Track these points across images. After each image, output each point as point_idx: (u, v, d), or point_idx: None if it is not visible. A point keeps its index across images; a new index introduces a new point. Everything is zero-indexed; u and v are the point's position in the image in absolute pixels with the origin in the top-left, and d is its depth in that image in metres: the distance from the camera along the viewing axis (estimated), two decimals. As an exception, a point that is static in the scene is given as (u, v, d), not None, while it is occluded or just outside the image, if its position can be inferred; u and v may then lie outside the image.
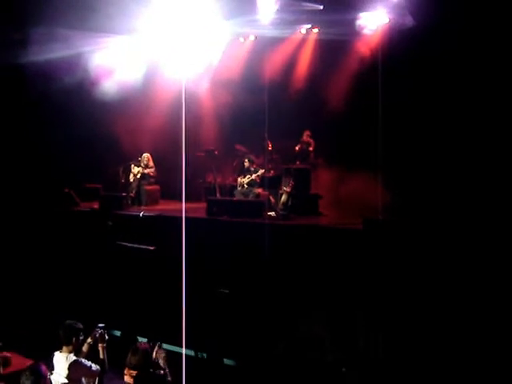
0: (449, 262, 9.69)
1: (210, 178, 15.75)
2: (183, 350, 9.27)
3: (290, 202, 13.15)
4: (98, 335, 7.46)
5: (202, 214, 13.08)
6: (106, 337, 7.51)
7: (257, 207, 12.87)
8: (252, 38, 16.12)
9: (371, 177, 13.02)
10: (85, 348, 7.45)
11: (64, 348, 7.23)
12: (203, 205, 13.70)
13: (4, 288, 12.69)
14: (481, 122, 11.81)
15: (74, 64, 15.27)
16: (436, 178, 12.21)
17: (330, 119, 14.56)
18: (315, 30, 15.38)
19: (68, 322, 7.37)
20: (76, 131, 15.26)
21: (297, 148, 15.12)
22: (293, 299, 10.96)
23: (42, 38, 14.25)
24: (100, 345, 7.44)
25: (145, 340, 8.98)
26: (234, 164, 15.61)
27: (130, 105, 16.09)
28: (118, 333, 12.62)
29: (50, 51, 14.53)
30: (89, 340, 7.47)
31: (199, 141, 16.19)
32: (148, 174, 15.10)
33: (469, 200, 11.10)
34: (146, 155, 15.15)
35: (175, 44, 16.37)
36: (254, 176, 13.83)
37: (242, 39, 16.33)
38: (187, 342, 9.39)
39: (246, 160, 14.22)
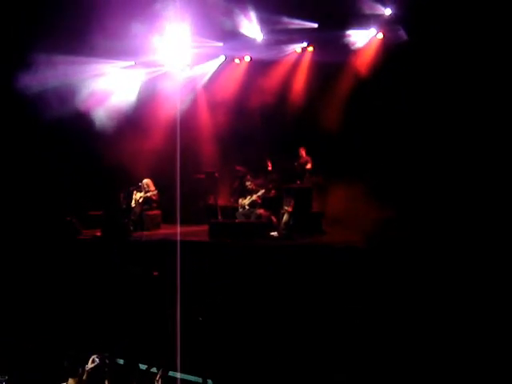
0: (453, 277, 9.65)
1: (211, 200, 15.72)
2: (178, 375, 9.20)
3: (292, 222, 13.10)
4: (99, 363, 7.37)
5: (205, 238, 13.05)
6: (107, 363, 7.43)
7: (259, 228, 12.84)
8: (247, 58, 16.17)
9: (371, 193, 13.03)
10: (85, 376, 7.37)
11: (70, 380, 7.16)
12: (205, 227, 13.68)
13: (7, 317, 12.65)
14: (477, 136, 11.84)
15: (72, 90, 15.37)
16: (435, 193, 12.20)
17: (327, 137, 14.57)
18: (310, 49, 15.43)
19: (72, 352, 7.30)
20: (75, 158, 15.37)
21: (295, 164, 15.11)
22: (298, 320, 10.89)
23: (42, 64, 14.41)
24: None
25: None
26: (235, 185, 15.59)
27: (128, 130, 16.11)
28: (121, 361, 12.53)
29: (50, 77, 14.68)
30: (89, 366, 7.37)
31: (199, 163, 16.21)
32: (150, 197, 15.07)
33: (470, 215, 11.08)
34: (146, 181, 15.15)
35: (171, 67, 16.55)
36: (254, 197, 13.81)
37: (237, 60, 16.38)
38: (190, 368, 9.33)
39: (248, 181, 14.21)
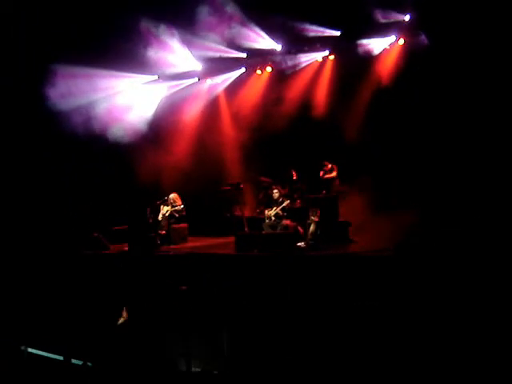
0: (482, 284, 9.55)
1: (237, 212, 15.73)
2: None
3: (318, 232, 13.04)
4: None
5: (232, 250, 13.05)
6: None
7: (286, 239, 12.79)
8: (269, 69, 16.18)
9: (397, 200, 12.96)
10: None
11: None
12: (231, 239, 13.69)
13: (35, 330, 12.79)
14: (504, 144, 11.71)
15: (96, 104, 15.52)
16: (460, 200, 12.09)
17: (351, 145, 14.52)
18: (331, 57, 15.40)
19: None
20: (101, 173, 15.51)
21: (320, 174, 15.07)
22: (327, 330, 10.84)
23: (65, 76, 14.58)
24: None
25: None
26: (260, 196, 15.58)
27: (152, 144, 16.24)
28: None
29: (75, 90, 14.85)
30: None
31: (224, 175, 16.26)
32: (177, 212, 15.12)
33: (499, 223, 10.96)
34: (173, 195, 15.21)
35: (193, 80, 16.65)
36: (279, 208, 13.76)
37: (259, 71, 16.40)
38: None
39: (273, 191, 14.19)
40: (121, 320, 11.16)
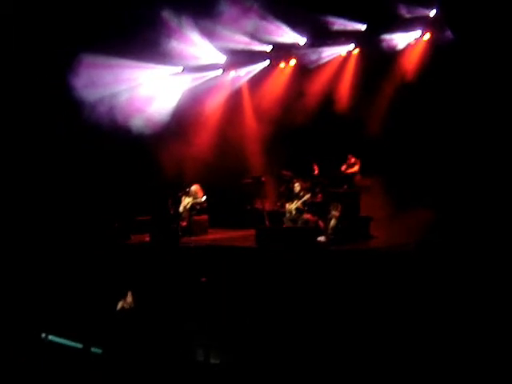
0: (503, 281, 9.47)
1: (258, 205, 15.74)
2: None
3: (339, 227, 12.99)
4: None
5: (252, 243, 13.06)
6: None
7: (306, 234, 12.77)
8: (292, 62, 16.13)
9: (419, 196, 12.88)
10: None
11: None
12: (252, 232, 13.71)
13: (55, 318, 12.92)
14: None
15: (119, 94, 15.59)
16: (484, 197, 11.97)
17: (374, 140, 14.44)
18: (355, 51, 15.31)
19: None
20: (124, 164, 15.60)
21: (342, 169, 15.03)
22: (346, 324, 10.81)
23: (89, 66, 14.66)
24: None
25: None
26: (281, 190, 15.57)
27: (175, 136, 16.29)
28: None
29: (97, 79, 14.93)
30: None
31: (245, 168, 16.27)
32: (198, 204, 15.17)
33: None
34: (194, 187, 15.23)
35: (217, 72, 16.66)
36: (299, 203, 13.74)
37: (282, 64, 16.35)
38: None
39: (294, 184, 14.16)
40: (120, 304, 11.13)
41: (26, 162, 15.42)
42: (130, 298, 11.25)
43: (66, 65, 14.73)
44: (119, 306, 11.25)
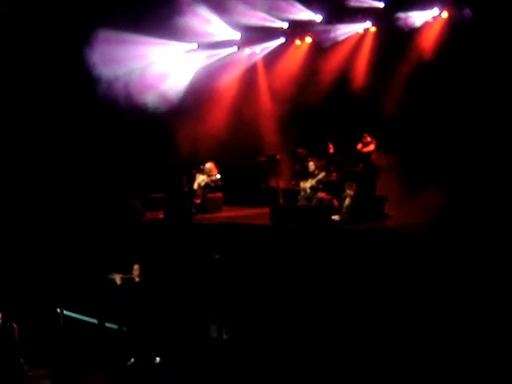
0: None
1: (272, 183, 15.72)
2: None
3: (354, 206, 12.97)
4: None
5: (266, 221, 13.07)
6: None
7: (321, 212, 12.77)
8: (308, 40, 15.99)
9: (435, 176, 12.82)
10: None
11: None
12: (266, 210, 13.72)
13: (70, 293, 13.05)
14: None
15: (134, 71, 15.56)
16: (501, 179, 11.90)
17: (389, 119, 14.33)
18: (372, 29, 15.13)
19: None
20: (138, 141, 15.61)
21: (358, 147, 14.94)
22: (362, 304, 10.83)
23: (107, 40, 14.63)
24: None
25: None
26: (296, 168, 15.52)
27: (189, 113, 16.28)
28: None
29: (113, 55, 14.90)
30: None
31: (260, 146, 16.24)
32: (213, 182, 15.18)
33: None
34: (209, 165, 15.24)
35: (232, 48, 16.57)
36: (314, 182, 13.71)
37: (298, 41, 16.23)
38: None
39: (309, 163, 14.12)
40: (118, 278, 11.17)
41: (42, 140, 15.48)
42: (137, 271, 11.31)
43: (82, 41, 14.70)
44: (117, 278, 11.28)
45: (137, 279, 11.36)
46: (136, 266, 11.43)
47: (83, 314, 12.52)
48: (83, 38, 14.67)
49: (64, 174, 15.33)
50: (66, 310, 12.61)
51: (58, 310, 12.63)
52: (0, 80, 15.13)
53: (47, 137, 15.49)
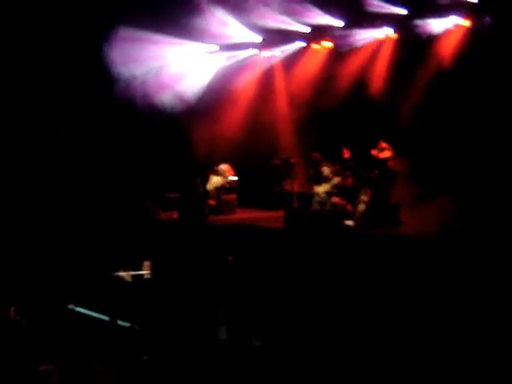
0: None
1: (287, 186, 15.73)
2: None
3: (368, 212, 12.95)
4: None
5: (280, 224, 13.08)
6: None
7: (335, 217, 12.77)
8: (328, 44, 15.97)
9: (451, 184, 12.76)
10: None
11: None
12: (280, 213, 13.73)
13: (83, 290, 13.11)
14: None
15: (151, 69, 15.62)
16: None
17: (406, 126, 14.28)
18: (393, 36, 15.09)
19: None
20: (153, 141, 15.68)
21: (374, 153, 14.89)
22: (373, 309, 10.80)
23: (126, 38, 14.70)
24: None
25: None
26: (310, 172, 15.50)
27: (205, 114, 16.33)
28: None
29: (132, 52, 14.96)
30: None
31: (275, 149, 16.25)
32: (228, 183, 15.20)
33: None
34: (224, 166, 15.26)
35: (252, 51, 16.59)
36: (330, 185, 13.70)
37: (317, 46, 16.22)
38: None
39: (324, 167, 14.11)
40: (127, 275, 11.34)
41: (59, 139, 15.60)
42: (147, 268, 11.42)
43: (102, 39, 14.78)
44: (126, 276, 11.42)
45: (147, 276, 11.46)
46: (147, 263, 11.54)
47: (95, 311, 12.58)
48: (103, 37, 14.75)
49: (79, 172, 15.42)
50: (78, 307, 12.68)
51: (70, 307, 12.69)
52: (16, 79, 15.24)
53: (64, 136, 15.59)
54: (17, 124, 15.53)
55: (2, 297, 11.02)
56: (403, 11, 14.06)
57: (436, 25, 13.96)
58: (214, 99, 16.55)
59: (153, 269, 11.82)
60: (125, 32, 14.67)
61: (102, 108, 15.55)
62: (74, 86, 15.61)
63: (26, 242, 14.41)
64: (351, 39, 15.27)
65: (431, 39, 14.06)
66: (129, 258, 13.17)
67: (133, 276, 11.51)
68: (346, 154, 15.10)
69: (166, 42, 15.69)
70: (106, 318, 12.45)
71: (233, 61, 16.90)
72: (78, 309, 12.65)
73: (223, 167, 15.27)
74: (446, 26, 13.98)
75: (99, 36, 14.84)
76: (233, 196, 15.46)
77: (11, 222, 14.83)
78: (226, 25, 15.47)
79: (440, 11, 13.75)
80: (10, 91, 15.37)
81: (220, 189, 15.17)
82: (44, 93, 15.56)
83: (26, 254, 14.17)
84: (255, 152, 16.07)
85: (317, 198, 13.81)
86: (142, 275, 11.55)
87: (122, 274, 11.54)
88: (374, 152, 14.85)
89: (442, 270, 10.27)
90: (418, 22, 13.91)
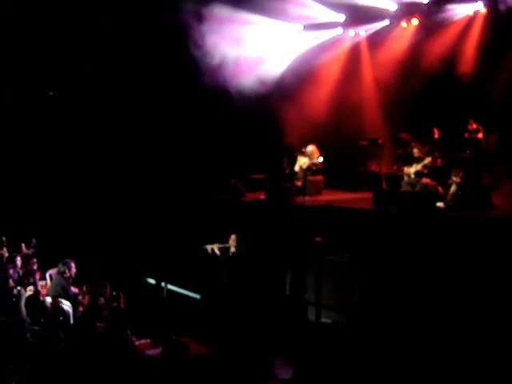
0: None
1: (374, 168, 15.56)
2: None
3: (460, 193, 12.66)
4: None
5: (368, 206, 12.97)
6: None
7: (425, 198, 12.55)
8: (415, 21, 15.62)
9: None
10: None
11: None
12: (367, 195, 13.62)
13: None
14: None
15: (237, 50, 15.69)
16: None
17: (498, 106, 13.84)
18: (483, 11, 14.61)
19: None
20: (239, 122, 15.78)
21: (465, 134, 14.52)
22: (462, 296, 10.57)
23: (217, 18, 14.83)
24: None
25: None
26: (398, 153, 15.26)
27: (291, 94, 16.30)
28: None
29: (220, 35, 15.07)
30: None
31: (362, 129, 16.09)
32: (316, 166, 15.17)
33: None
34: (311, 148, 15.19)
35: (337, 30, 16.45)
36: (419, 166, 13.45)
37: (404, 24, 15.89)
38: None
39: (414, 148, 13.86)
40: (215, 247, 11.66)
41: (150, 117, 15.96)
42: (233, 241, 11.69)
43: (188, 21, 14.93)
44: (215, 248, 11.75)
45: (233, 249, 11.72)
46: (233, 236, 11.76)
47: (186, 289, 12.88)
48: (187, 19, 14.89)
49: (172, 152, 15.73)
50: (170, 284, 13.02)
51: (163, 284, 13.05)
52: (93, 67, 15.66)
53: (157, 115, 15.94)
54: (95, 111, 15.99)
55: (97, 274, 11.34)
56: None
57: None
58: (300, 79, 16.50)
59: (238, 243, 12.00)
60: (215, 11, 14.76)
61: (191, 91, 15.76)
62: (160, 72, 15.87)
63: (124, 226, 14.89)
64: (439, 16, 14.91)
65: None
66: (215, 233, 13.44)
67: (220, 249, 11.80)
68: (436, 134, 14.79)
69: (252, 23, 15.74)
70: (196, 295, 12.75)
71: (317, 41, 16.80)
72: (170, 286, 13.00)
73: (310, 148, 15.18)
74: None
75: (184, 18, 14.96)
76: (319, 177, 15.39)
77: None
78: (309, 5, 15.38)
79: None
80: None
81: (306, 170, 15.13)
82: (131, 78, 15.88)
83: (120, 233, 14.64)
84: (342, 133, 15.97)
85: (406, 179, 13.58)
86: (228, 248, 11.82)
87: (210, 246, 11.85)
88: (465, 133, 14.49)
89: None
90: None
